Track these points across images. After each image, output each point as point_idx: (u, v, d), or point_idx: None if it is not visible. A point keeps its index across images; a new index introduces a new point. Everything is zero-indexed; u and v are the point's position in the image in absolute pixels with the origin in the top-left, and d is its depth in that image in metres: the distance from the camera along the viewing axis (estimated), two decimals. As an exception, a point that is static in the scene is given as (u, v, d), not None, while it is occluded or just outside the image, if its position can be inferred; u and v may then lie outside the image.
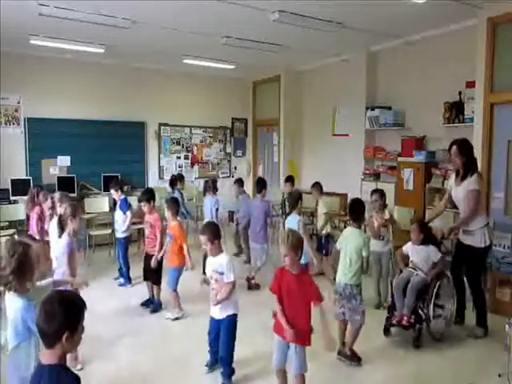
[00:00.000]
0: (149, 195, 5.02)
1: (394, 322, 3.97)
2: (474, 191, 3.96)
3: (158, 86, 8.95)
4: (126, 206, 5.82)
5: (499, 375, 3.30)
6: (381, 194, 5.10)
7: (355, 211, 3.70)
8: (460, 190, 4.09)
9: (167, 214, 4.61)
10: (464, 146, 4.08)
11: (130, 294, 5.29)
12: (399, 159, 6.58)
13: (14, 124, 7.67)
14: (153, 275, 4.83)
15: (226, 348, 3.32)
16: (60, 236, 3.67)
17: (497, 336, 3.92)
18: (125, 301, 5.12)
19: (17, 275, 2.26)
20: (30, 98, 7.68)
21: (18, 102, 7.67)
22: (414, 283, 3.91)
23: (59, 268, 3.60)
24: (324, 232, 6.00)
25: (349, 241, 3.59)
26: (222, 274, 3.26)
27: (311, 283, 2.80)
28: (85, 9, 5.37)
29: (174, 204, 4.67)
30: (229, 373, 3.34)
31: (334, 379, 3.44)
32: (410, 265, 4.12)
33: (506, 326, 3.21)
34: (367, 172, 7.29)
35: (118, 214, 5.80)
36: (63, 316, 1.62)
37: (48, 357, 1.67)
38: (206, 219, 5.94)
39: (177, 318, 4.53)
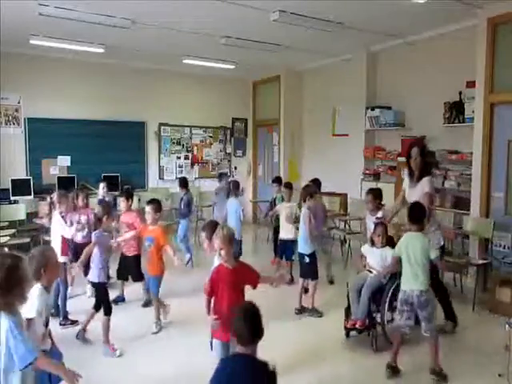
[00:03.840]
0: (128, 193, 5.12)
1: (348, 325, 3.94)
2: (428, 194, 4.05)
3: (158, 86, 8.95)
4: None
5: (499, 375, 3.30)
6: (374, 194, 4.71)
7: (415, 215, 3.50)
8: (415, 192, 4.13)
9: (150, 215, 4.28)
10: (424, 149, 4.27)
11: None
12: (399, 159, 6.57)
13: (14, 124, 7.68)
14: (136, 274, 4.90)
15: None
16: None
17: (497, 336, 3.92)
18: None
19: (3, 290, 1.97)
20: (30, 98, 7.68)
21: (18, 102, 7.68)
22: (368, 284, 3.83)
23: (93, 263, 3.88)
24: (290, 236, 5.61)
25: (413, 245, 3.39)
26: None
27: (250, 270, 2.91)
28: (85, 9, 5.37)
29: (159, 206, 4.40)
30: None
31: None
32: (367, 267, 4.04)
33: (506, 326, 3.21)
34: (367, 172, 7.29)
35: None
36: None
37: None
38: (231, 222, 5.84)
39: (159, 330, 4.27)
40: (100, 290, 3.90)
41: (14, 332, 1.98)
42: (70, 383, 2.14)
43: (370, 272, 3.96)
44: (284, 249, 5.63)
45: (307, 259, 4.61)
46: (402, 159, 6.45)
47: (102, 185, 6.39)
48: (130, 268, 4.91)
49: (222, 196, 6.89)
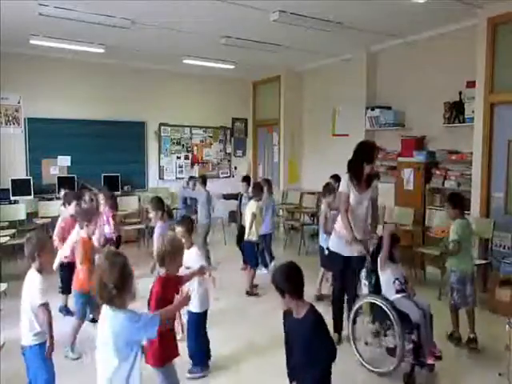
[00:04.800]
0: (80, 195, 4.85)
1: (430, 360, 3.30)
2: (377, 199, 4.04)
3: (158, 86, 8.95)
4: None
5: (499, 374, 3.30)
6: (336, 178, 5.26)
7: (460, 203, 4.00)
8: (364, 196, 3.85)
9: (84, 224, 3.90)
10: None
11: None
12: (399, 159, 6.57)
13: (14, 124, 7.67)
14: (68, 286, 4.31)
15: (192, 344, 3.40)
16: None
17: (497, 336, 3.92)
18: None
19: (119, 289, 2.00)
20: (30, 98, 7.68)
21: (18, 102, 7.67)
22: (427, 307, 3.44)
23: None
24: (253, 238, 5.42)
25: (468, 231, 3.97)
26: (188, 268, 3.24)
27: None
28: (85, 9, 5.37)
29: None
30: (196, 362, 3.41)
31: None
32: (397, 286, 3.47)
33: (506, 326, 3.21)
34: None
35: None
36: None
37: None
38: (267, 219, 6.07)
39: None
40: None
41: (136, 319, 2.02)
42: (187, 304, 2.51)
43: (404, 291, 3.47)
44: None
45: (326, 251, 4.66)
46: (402, 159, 6.51)
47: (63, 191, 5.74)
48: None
49: (204, 200, 6.57)
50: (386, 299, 3.44)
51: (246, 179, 6.63)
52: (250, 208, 5.40)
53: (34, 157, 7.79)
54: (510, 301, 4.50)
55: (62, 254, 4.21)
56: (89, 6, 5.30)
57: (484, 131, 5.35)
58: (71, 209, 4.63)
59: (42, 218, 7.06)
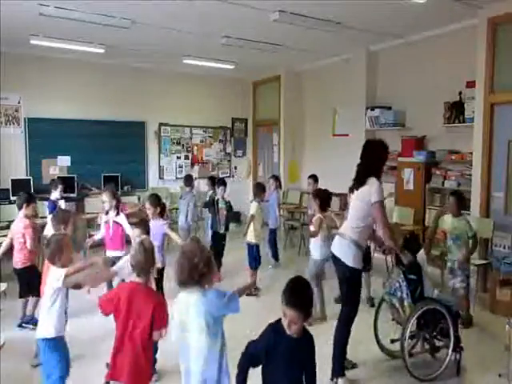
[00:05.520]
0: (29, 198, 4.55)
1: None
2: None
3: (158, 86, 8.95)
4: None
5: (499, 375, 3.30)
6: (314, 178, 5.77)
7: (464, 202, 4.45)
8: None
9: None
10: None
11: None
12: (399, 159, 6.57)
13: (14, 124, 7.67)
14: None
15: None
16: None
17: (497, 336, 3.92)
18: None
19: (208, 268, 2.14)
20: (30, 97, 7.68)
21: (18, 102, 7.67)
22: None
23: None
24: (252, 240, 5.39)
25: None
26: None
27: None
28: (85, 9, 5.37)
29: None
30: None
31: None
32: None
33: (506, 326, 3.22)
34: (367, 172, 7.27)
35: None
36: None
37: None
38: (271, 217, 6.45)
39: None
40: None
41: (222, 296, 2.16)
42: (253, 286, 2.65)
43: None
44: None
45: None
46: (402, 159, 6.51)
47: (60, 186, 6.06)
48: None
49: (187, 201, 6.51)
50: (435, 300, 3.34)
51: (223, 183, 6.36)
52: (251, 209, 5.42)
53: (33, 157, 7.79)
54: (510, 301, 4.50)
55: None
56: (89, 6, 5.30)
57: (484, 131, 5.35)
58: (25, 211, 4.49)
59: (42, 217, 7.04)
